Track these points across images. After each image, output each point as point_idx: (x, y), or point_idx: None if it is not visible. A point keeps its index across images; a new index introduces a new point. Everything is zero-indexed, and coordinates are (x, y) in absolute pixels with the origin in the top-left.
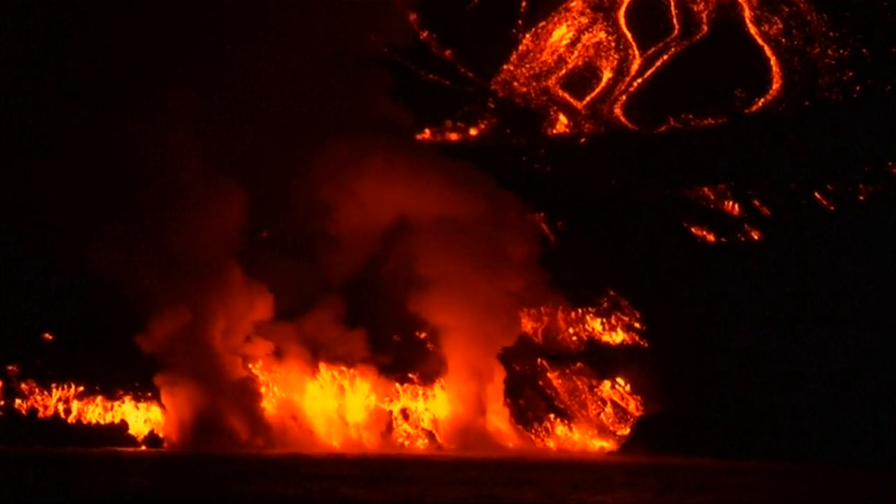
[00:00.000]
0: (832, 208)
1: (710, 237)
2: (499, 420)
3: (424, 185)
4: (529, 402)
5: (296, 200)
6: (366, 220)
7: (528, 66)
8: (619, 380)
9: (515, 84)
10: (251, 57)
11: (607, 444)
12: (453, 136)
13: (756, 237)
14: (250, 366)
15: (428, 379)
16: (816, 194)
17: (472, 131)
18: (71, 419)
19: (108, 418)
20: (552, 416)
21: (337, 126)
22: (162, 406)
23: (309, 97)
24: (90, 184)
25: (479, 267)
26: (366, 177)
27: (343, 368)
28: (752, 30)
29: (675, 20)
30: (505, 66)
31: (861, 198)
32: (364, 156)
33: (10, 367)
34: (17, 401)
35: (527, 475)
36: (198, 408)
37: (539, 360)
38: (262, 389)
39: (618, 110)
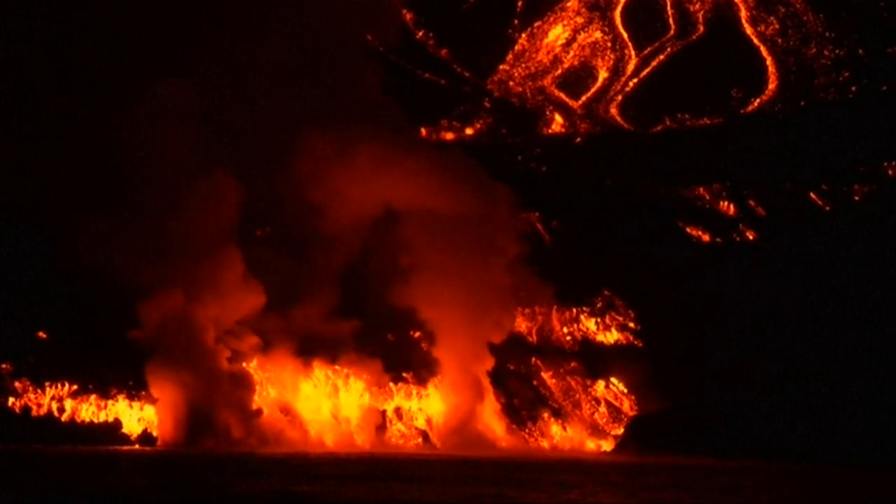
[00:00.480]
0: (828, 208)
1: (706, 237)
2: (492, 419)
3: (413, 176)
4: (523, 402)
5: (284, 192)
6: (353, 213)
7: (524, 65)
8: (614, 379)
9: (511, 84)
10: (246, 51)
11: (601, 444)
12: (449, 136)
13: (751, 237)
14: (244, 364)
15: (422, 378)
16: (812, 194)
17: (468, 130)
18: (64, 418)
19: (102, 417)
20: (546, 415)
21: (328, 118)
22: (154, 401)
23: (302, 89)
24: (84, 180)
25: (468, 260)
26: (353, 168)
27: (337, 368)
28: (748, 30)
29: (671, 20)
30: (501, 66)
31: (856, 198)
32: (351, 146)
33: (3, 366)
34: (11, 399)
35: (525, 475)
36: (191, 406)
37: (533, 359)
38: (256, 388)
39: (614, 110)
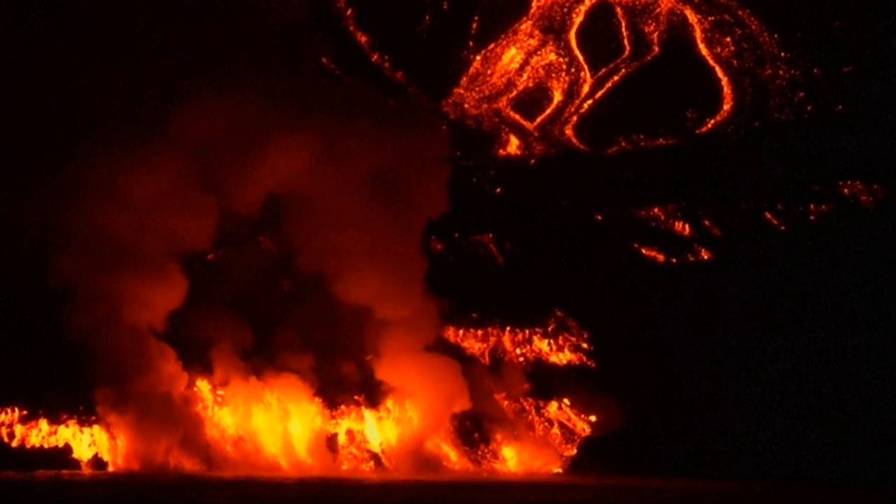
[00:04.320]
0: (783, 228)
1: (660, 257)
2: (444, 442)
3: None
4: (476, 424)
5: None
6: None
7: (478, 88)
8: (566, 400)
9: (466, 106)
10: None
11: (554, 466)
12: None
13: (706, 257)
14: (195, 388)
15: (374, 401)
16: (767, 214)
17: None
18: (14, 443)
19: (52, 442)
20: (499, 437)
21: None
22: (104, 425)
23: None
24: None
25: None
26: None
27: (288, 390)
28: (704, 51)
29: (626, 41)
30: (456, 89)
31: (812, 218)
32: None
33: None
34: None
35: (483, 497)
36: (140, 430)
37: (485, 381)
38: (207, 412)
39: (569, 131)
